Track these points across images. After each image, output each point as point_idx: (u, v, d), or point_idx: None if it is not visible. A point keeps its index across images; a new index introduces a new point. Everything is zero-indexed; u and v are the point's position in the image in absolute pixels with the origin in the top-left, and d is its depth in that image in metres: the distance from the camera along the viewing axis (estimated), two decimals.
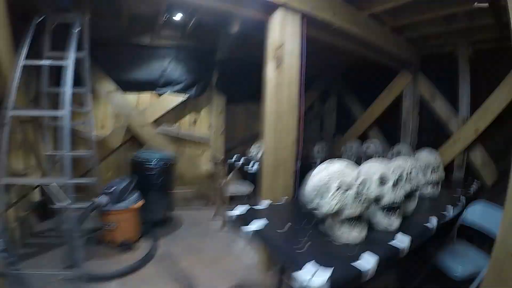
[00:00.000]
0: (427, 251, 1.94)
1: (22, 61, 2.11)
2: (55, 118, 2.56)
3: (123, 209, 2.55)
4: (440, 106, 3.33)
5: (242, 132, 4.39)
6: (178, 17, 3.03)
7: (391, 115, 3.81)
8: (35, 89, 2.73)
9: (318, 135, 4.98)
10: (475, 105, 2.97)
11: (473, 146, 3.00)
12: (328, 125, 5.02)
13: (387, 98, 3.83)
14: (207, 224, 3.26)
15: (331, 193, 1.33)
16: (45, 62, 2.32)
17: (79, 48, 2.38)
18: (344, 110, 4.69)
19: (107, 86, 3.47)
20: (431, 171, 2.16)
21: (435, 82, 3.38)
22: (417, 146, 3.35)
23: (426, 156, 2.25)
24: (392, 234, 1.45)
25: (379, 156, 3.20)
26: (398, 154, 2.91)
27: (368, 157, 3.07)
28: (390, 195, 1.50)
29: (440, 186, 2.21)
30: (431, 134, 3.51)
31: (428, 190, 2.15)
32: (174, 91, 3.71)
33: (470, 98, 3.06)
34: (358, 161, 2.31)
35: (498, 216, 1.65)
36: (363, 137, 3.98)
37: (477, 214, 2.04)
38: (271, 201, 1.93)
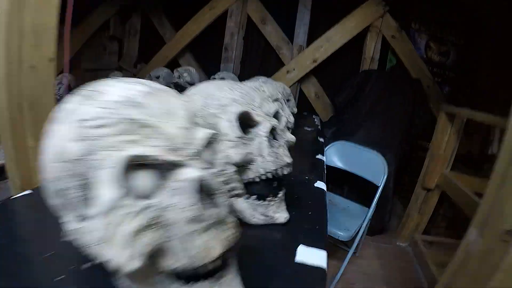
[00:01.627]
0: None
1: None
2: None
3: None
4: (270, 32, 2.79)
5: None
6: None
7: (208, 39, 2.98)
8: None
9: (116, 64, 3.34)
10: (312, 36, 2.68)
11: (307, 78, 2.75)
12: (129, 50, 3.47)
13: (205, 17, 2.88)
14: None
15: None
16: None
17: None
18: (151, 32, 3.30)
19: None
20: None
21: (269, 5, 2.77)
22: (240, 76, 2.70)
23: (271, 86, 1.24)
24: None
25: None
26: None
27: (182, 88, 2.18)
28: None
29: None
30: (256, 63, 2.97)
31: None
32: None
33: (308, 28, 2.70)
34: None
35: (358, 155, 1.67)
36: (173, 66, 2.71)
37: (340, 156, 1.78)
38: None
